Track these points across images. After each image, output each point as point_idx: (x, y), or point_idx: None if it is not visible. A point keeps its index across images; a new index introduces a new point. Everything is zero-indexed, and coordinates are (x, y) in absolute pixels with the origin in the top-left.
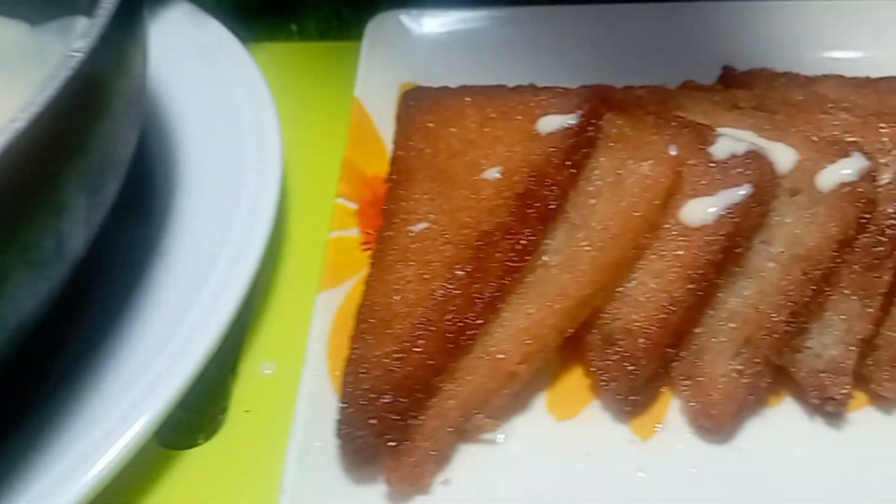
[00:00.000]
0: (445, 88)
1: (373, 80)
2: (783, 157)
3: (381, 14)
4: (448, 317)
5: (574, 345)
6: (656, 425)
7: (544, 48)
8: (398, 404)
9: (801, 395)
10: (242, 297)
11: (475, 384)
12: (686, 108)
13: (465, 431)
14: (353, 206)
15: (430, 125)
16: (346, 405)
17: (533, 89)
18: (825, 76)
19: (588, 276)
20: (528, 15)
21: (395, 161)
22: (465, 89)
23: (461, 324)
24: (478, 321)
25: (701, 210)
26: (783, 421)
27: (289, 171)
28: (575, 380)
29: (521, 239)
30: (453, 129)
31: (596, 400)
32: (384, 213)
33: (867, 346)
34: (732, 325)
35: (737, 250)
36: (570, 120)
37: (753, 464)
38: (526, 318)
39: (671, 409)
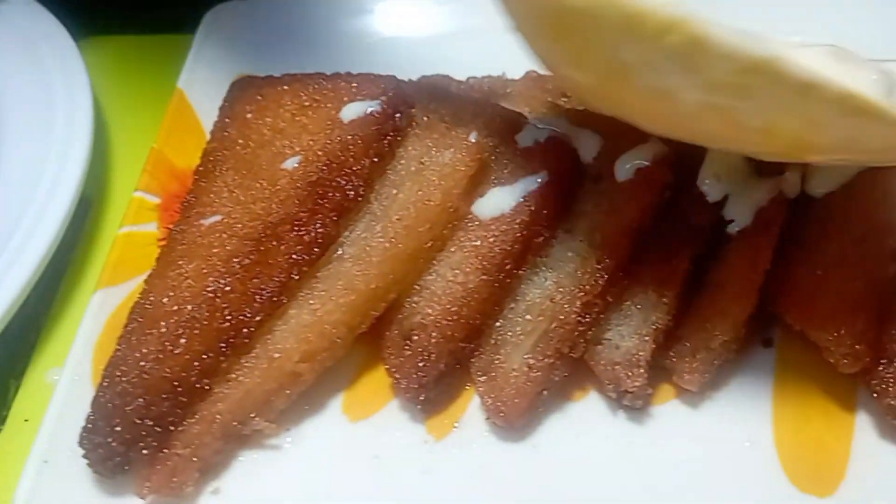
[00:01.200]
0: (270, 78)
1: (201, 71)
2: (589, 143)
3: (219, 6)
4: (221, 314)
5: (377, 342)
6: (454, 424)
7: (390, 38)
8: (153, 409)
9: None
10: (15, 299)
11: (249, 385)
12: (514, 98)
13: (242, 437)
14: (154, 200)
15: (248, 115)
16: (92, 411)
17: (347, 76)
18: None
19: (377, 268)
20: (371, 4)
21: (206, 152)
22: (286, 78)
23: (236, 321)
24: (255, 318)
25: (498, 199)
26: (586, 416)
27: (110, 165)
28: (377, 379)
29: (310, 231)
30: (268, 119)
31: (395, 399)
32: (183, 205)
33: (670, 337)
34: (529, 318)
35: (538, 240)
36: (372, 107)
37: (549, 461)
38: (310, 314)
39: (471, 407)
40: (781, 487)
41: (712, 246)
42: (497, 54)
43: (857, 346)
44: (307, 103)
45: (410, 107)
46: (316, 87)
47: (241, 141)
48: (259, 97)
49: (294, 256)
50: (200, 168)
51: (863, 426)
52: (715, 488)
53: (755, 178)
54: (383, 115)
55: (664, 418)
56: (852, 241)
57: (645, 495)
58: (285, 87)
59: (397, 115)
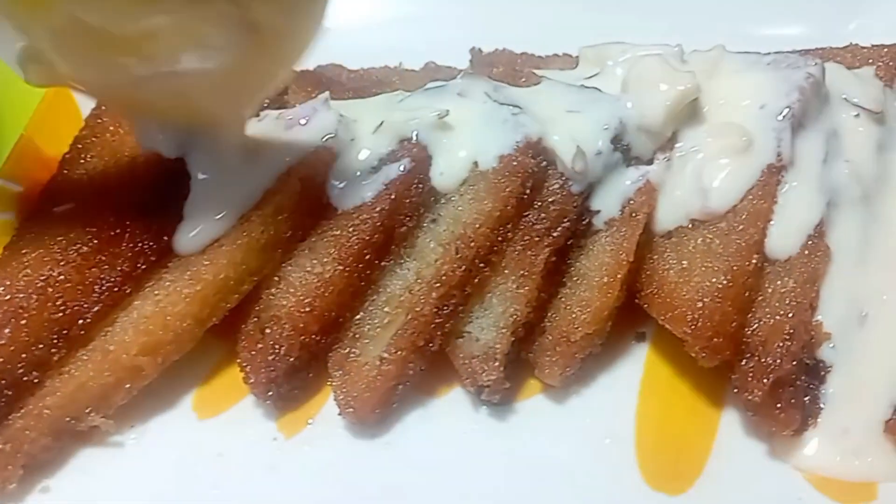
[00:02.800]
0: None
1: None
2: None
3: None
4: (53, 304)
5: (237, 336)
6: (308, 421)
7: None
8: None
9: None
10: None
11: (82, 379)
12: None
13: (77, 433)
14: (15, 189)
15: None
16: None
17: None
18: (555, 56)
19: (227, 258)
20: None
21: (76, 139)
22: None
23: (70, 312)
24: (93, 309)
25: (360, 187)
26: (447, 412)
27: None
28: (233, 375)
29: (159, 219)
30: None
31: (250, 396)
32: (42, 192)
33: (534, 331)
34: (387, 310)
35: (401, 229)
36: None
37: (401, 459)
38: (153, 304)
39: (329, 404)
40: (634, 485)
41: (580, 237)
42: (396, 46)
43: (715, 340)
44: None
45: (280, 91)
46: None
47: (111, 128)
48: None
49: (140, 245)
50: (67, 155)
51: (729, 422)
52: (567, 486)
53: (623, 168)
54: None
55: (527, 414)
56: (716, 232)
57: (496, 492)
58: None
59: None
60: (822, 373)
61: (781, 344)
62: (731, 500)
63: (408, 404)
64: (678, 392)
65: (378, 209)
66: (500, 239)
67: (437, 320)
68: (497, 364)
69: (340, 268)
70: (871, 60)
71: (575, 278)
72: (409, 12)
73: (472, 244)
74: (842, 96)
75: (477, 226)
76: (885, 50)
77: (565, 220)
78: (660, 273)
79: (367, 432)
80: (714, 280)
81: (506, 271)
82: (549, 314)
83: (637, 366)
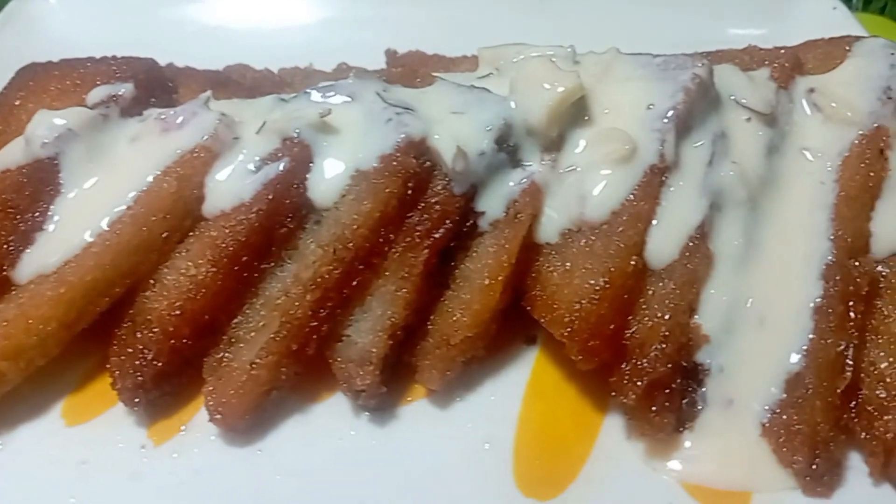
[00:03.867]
0: (49, 63)
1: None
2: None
3: None
4: None
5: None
6: (181, 427)
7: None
8: None
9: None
10: None
11: None
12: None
13: None
14: None
15: (17, 101)
16: None
17: (94, 61)
18: (464, 57)
19: (94, 260)
20: None
21: None
22: (61, 63)
23: None
24: None
25: (238, 187)
26: (326, 417)
27: None
28: (107, 381)
29: (25, 219)
30: (30, 105)
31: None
32: None
33: (416, 334)
34: (263, 314)
35: (281, 230)
36: (119, 90)
37: (273, 465)
38: (16, 308)
39: (204, 409)
40: (505, 491)
41: (466, 239)
42: (309, 47)
43: (592, 342)
44: (64, 87)
45: (167, 92)
46: (80, 71)
47: (1, 127)
48: (31, 83)
49: (5, 247)
50: None
51: (610, 426)
52: (439, 492)
53: (508, 169)
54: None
55: (408, 418)
56: (598, 234)
57: (366, 498)
58: (55, 73)
59: (153, 98)
60: (701, 376)
61: (657, 346)
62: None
63: (286, 409)
64: (563, 396)
65: (255, 210)
66: (381, 240)
67: (312, 324)
68: (372, 368)
69: (214, 270)
70: (767, 62)
71: (458, 281)
72: (330, 15)
73: (350, 245)
74: (731, 98)
75: (355, 227)
76: (783, 52)
77: (447, 221)
78: (544, 275)
79: (239, 439)
80: (592, 282)
81: (387, 273)
82: (432, 317)
83: (525, 370)
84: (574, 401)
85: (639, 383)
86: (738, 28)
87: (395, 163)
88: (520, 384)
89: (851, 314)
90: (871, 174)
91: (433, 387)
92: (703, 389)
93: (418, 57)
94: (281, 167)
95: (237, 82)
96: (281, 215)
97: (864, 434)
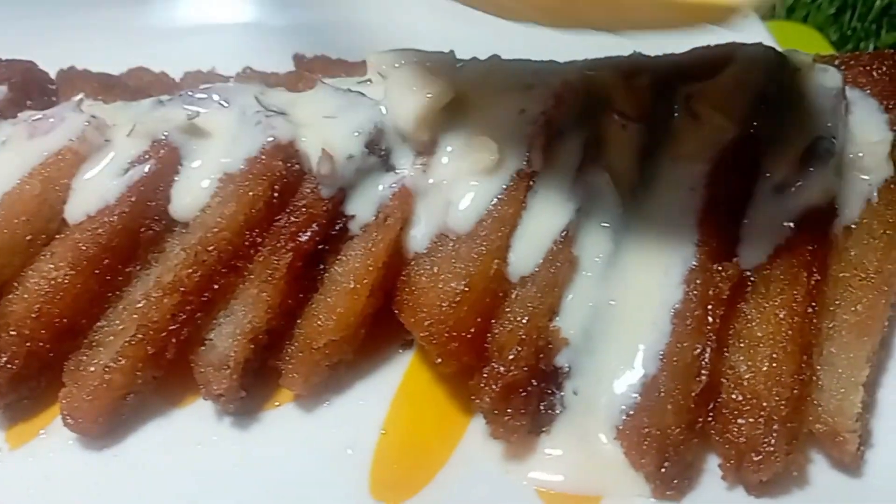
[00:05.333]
0: None
1: None
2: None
3: None
4: None
5: None
6: (41, 431)
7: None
8: None
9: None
10: None
11: None
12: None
13: None
14: None
15: None
16: None
17: None
18: (363, 62)
19: None
20: None
21: None
22: None
23: None
24: None
25: (104, 190)
26: (190, 422)
27: None
28: None
29: None
30: None
31: None
32: None
33: (282, 338)
34: (124, 317)
35: (147, 233)
36: None
37: (128, 470)
38: None
39: None
40: (356, 495)
41: (337, 243)
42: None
43: (452, 345)
44: None
45: (45, 94)
46: None
47: None
48: None
49: None
50: None
51: (475, 431)
52: (290, 498)
53: (380, 174)
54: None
55: (271, 423)
56: (464, 239)
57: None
58: None
59: (28, 101)
60: (560, 379)
61: (514, 349)
62: None
63: (147, 414)
64: (432, 400)
65: (117, 212)
66: (246, 244)
67: (171, 328)
68: (229, 372)
69: (73, 273)
70: (649, 68)
71: (327, 285)
72: (247, 20)
73: (212, 249)
74: (607, 104)
75: (217, 230)
76: (664, 58)
77: (314, 224)
78: (411, 279)
79: (96, 443)
80: (453, 285)
81: (251, 277)
82: (299, 321)
83: (397, 374)
84: (442, 405)
85: (494, 386)
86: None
87: (260, 166)
88: (391, 388)
89: (710, 318)
90: (740, 179)
91: (296, 391)
92: (562, 393)
93: (323, 61)
94: (146, 169)
95: (125, 85)
96: (145, 218)
97: (718, 437)
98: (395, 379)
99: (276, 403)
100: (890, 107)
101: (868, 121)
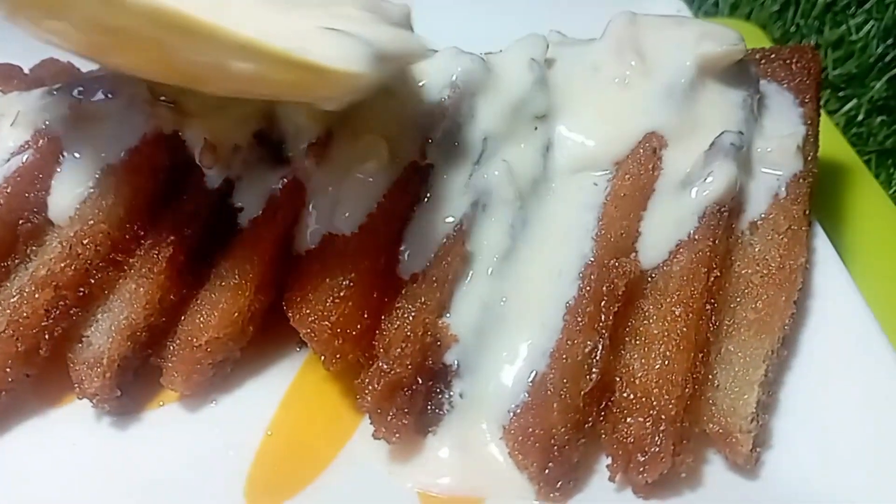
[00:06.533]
0: None
1: None
2: None
3: None
4: None
5: None
6: None
7: None
8: None
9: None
10: None
11: None
12: None
13: None
14: None
15: None
16: None
17: None
18: None
19: None
20: None
21: None
22: None
23: None
24: None
25: None
26: (66, 422)
27: None
28: None
29: None
30: None
31: None
32: None
33: (165, 335)
34: None
35: (25, 226)
36: None
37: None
38: None
39: None
40: (230, 497)
41: (224, 237)
42: None
43: (336, 342)
44: None
45: None
46: None
47: None
48: None
49: None
50: None
51: (365, 431)
52: (164, 500)
53: (269, 166)
54: None
55: (153, 423)
56: (354, 234)
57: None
58: None
59: None
60: (448, 378)
61: (399, 347)
62: None
63: (23, 413)
64: (323, 400)
65: None
66: (127, 237)
67: (44, 323)
68: (101, 370)
69: None
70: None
71: (212, 280)
72: None
73: (88, 242)
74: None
75: (93, 222)
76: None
77: (198, 217)
78: (300, 274)
79: None
80: (339, 279)
81: (131, 272)
82: (182, 318)
83: (290, 373)
84: (332, 407)
85: (377, 384)
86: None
87: (140, 156)
88: (281, 388)
89: (603, 315)
90: (643, 173)
91: (177, 390)
92: (450, 392)
93: None
94: (24, 159)
95: (25, 75)
96: (23, 210)
97: (607, 437)
98: (287, 379)
99: (161, 403)
100: (806, 101)
101: (782, 115)
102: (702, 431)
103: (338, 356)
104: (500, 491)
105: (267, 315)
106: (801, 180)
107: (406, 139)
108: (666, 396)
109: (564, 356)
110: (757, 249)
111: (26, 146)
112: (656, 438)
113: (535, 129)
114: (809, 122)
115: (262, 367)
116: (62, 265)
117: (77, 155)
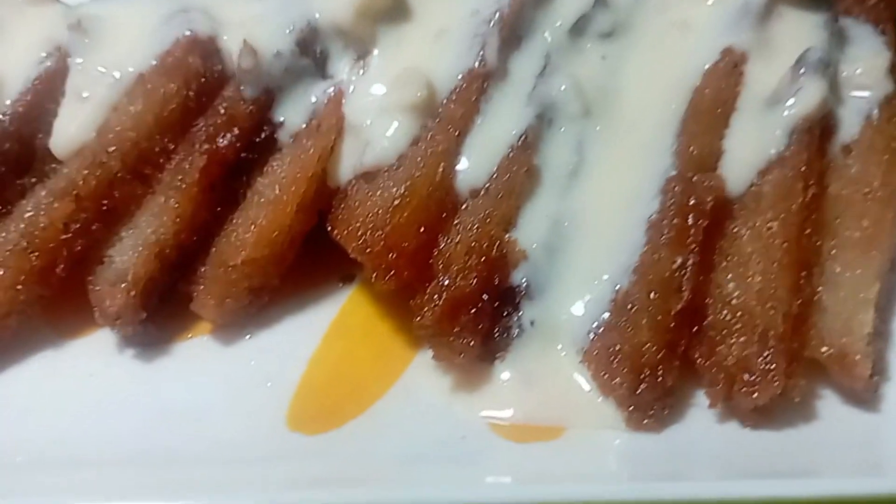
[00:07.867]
0: None
1: None
2: None
3: None
4: None
5: None
6: None
7: None
8: None
9: None
10: None
11: None
12: None
13: None
14: None
15: None
16: None
17: None
18: None
19: None
20: None
21: None
22: None
23: None
24: None
25: None
26: (88, 353)
27: None
28: None
29: None
30: None
31: None
32: None
33: (197, 258)
34: (12, 228)
35: (39, 137)
36: None
37: (13, 403)
38: None
39: None
40: (269, 426)
41: (264, 153)
42: None
43: (390, 257)
44: None
45: None
46: None
47: None
48: None
49: None
50: None
51: (420, 365)
52: (204, 429)
53: (312, 78)
54: None
55: (182, 355)
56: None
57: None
58: None
59: None
60: (517, 299)
61: (462, 259)
62: (368, 439)
63: (34, 344)
64: (369, 335)
65: (8, 113)
66: (157, 150)
67: (62, 237)
68: (125, 287)
69: None
70: None
71: (250, 197)
72: None
73: (114, 150)
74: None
75: (120, 129)
76: None
77: (234, 127)
78: (350, 191)
79: None
80: (393, 190)
81: (160, 186)
82: (216, 239)
83: (333, 308)
84: (381, 340)
85: (438, 300)
86: None
87: (173, 61)
88: (322, 323)
89: (692, 229)
90: (724, 88)
91: (209, 317)
92: (520, 314)
93: None
94: (46, 67)
95: None
96: (40, 122)
97: (704, 361)
98: (329, 315)
99: (190, 335)
100: (886, 30)
101: (864, 42)
102: (811, 360)
103: (392, 272)
104: (582, 419)
105: (307, 247)
106: (893, 101)
107: (462, 46)
108: (772, 312)
109: (649, 272)
110: (854, 170)
111: (52, 52)
112: (766, 354)
113: (601, 43)
114: (893, 48)
115: (302, 303)
116: (84, 174)
117: (104, 61)
